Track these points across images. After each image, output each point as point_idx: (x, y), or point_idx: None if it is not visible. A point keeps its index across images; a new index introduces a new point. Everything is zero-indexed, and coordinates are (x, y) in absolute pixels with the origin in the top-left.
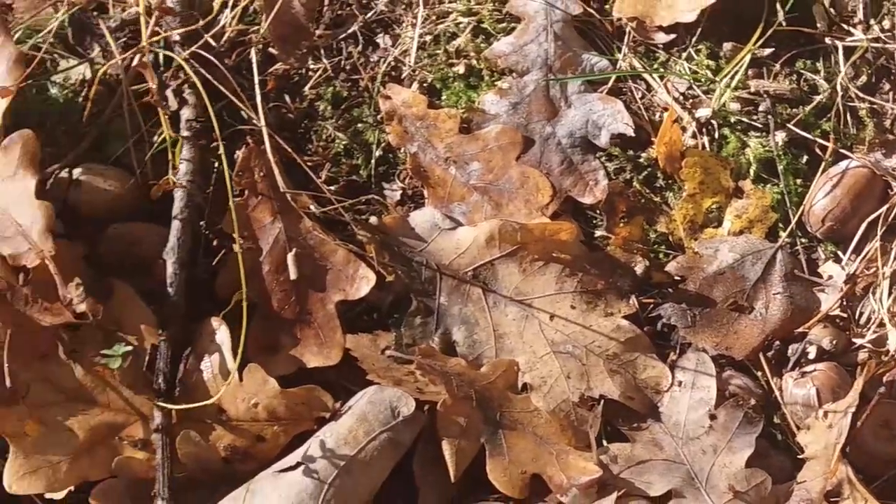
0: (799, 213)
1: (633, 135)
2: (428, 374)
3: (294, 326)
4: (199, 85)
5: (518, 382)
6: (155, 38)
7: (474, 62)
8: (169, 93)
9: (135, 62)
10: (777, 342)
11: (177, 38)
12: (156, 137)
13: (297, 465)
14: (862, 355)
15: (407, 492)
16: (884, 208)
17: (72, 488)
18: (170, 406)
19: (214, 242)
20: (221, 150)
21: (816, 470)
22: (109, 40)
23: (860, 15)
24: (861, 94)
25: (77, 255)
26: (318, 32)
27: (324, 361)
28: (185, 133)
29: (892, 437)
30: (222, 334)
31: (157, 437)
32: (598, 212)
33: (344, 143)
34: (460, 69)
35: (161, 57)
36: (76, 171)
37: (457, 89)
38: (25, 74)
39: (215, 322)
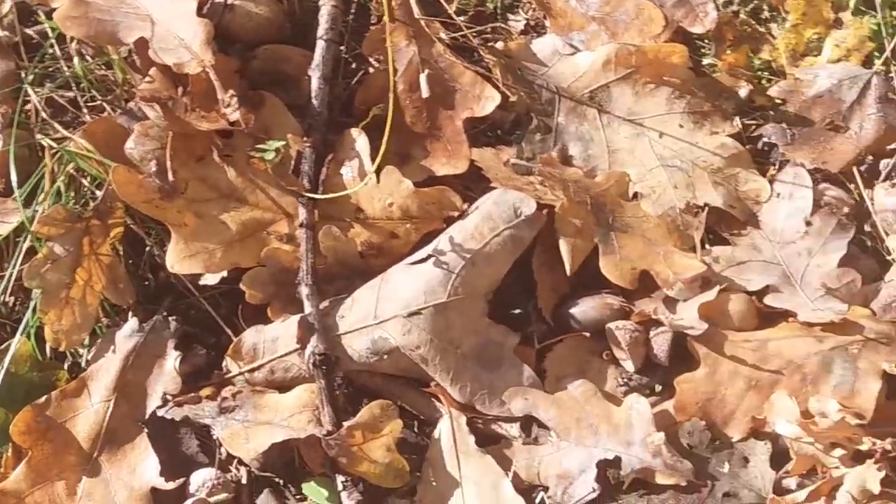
0: (894, 41)
1: None
2: (548, 179)
3: (425, 140)
4: None
5: (629, 191)
6: None
7: None
8: None
9: None
10: (870, 157)
11: None
12: None
13: (428, 257)
14: None
15: (526, 286)
16: None
17: (225, 274)
18: (314, 196)
19: (353, 65)
20: None
21: None
22: None
23: None
24: None
25: (232, 69)
26: None
27: (452, 170)
28: None
29: None
30: (361, 142)
31: (301, 232)
32: (706, 41)
33: None
34: None
35: None
36: None
37: None
38: None
39: (355, 132)
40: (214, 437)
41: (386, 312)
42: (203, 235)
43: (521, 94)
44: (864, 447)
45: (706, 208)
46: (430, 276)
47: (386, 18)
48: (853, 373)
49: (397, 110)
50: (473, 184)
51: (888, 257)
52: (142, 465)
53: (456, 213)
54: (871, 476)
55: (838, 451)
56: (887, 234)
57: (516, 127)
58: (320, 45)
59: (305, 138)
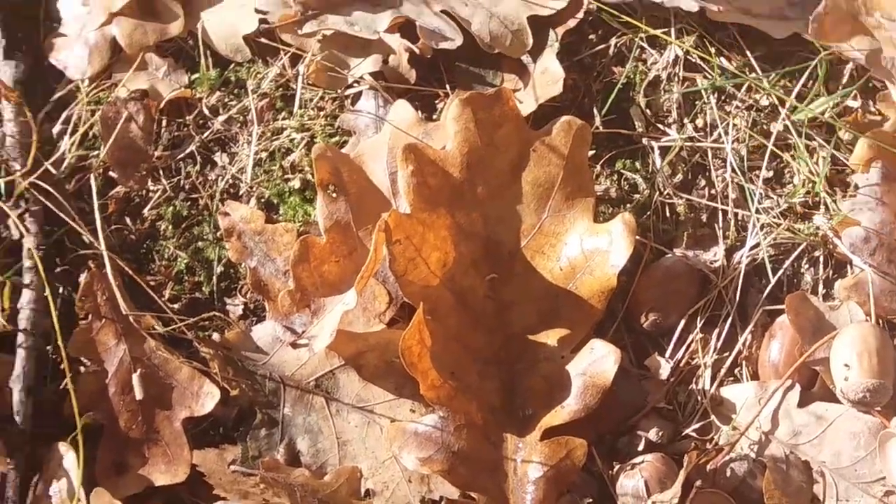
0: (623, 308)
1: None
2: (271, 486)
3: (142, 445)
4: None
5: (361, 488)
6: None
7: (309, 176)
8: (11, 222)
9: None
10: (608, 435)
11: (17, 166)
12: None
13: None
14: (688, 445)
15: None
16: (702, 302)
17: None
18: None
19: (62, 366)
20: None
21: None
22: None
23: (674, 115)
24: (677, 192)
25: None
26: (156, 154)
27: (171, 479)
28: (27, 262)
29: None
30: (69, 460)
31: None
32: None
33: (185, 261)
34: (296, 183)
35: (2, 185)
36: None
37: (293, 203)
38: None
39: (62, 447)
40: None
41: None
42: None
43: (243, 387)
44: None
45: (443, 502)
46: None
47: None
48: None
49: (110, 416)
50: (201, 490)
51: None
52: None
53: None
54: None
55: None
56: None
57: (241, 422)
58: (20, 355)
59: (9, 460)
